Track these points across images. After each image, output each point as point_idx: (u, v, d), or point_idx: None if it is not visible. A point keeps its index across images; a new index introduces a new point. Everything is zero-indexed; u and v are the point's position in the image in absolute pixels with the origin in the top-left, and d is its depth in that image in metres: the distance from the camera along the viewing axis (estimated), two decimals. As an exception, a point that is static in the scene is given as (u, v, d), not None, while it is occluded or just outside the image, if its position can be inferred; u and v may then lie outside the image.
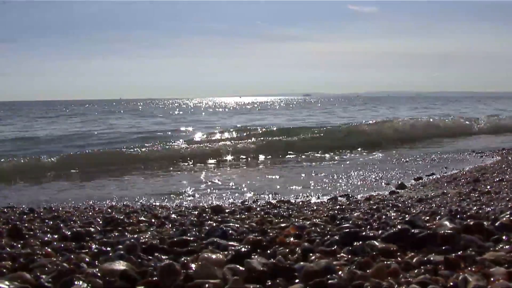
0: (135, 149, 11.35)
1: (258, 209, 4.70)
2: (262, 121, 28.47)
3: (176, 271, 2.00)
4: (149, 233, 3.22)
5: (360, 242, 2.38)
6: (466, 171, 8.10)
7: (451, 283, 1.79)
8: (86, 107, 66.77)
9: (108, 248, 2.56)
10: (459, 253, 2.12)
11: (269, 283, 1.93)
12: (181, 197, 6.57)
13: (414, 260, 2.12)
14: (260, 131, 14.83)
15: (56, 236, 3.07)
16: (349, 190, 6.66)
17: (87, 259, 2.35)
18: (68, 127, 25.27)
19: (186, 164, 10.53)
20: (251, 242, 2.53)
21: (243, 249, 2.34)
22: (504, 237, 2.39)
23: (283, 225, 3.19)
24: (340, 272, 1.96)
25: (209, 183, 7.80)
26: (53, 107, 66.15)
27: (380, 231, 2.61)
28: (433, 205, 4.45)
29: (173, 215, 4.25)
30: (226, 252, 2.38)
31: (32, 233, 3.25)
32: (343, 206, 4.60)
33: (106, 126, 25.36)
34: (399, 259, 2.19)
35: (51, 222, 3.94)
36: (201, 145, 12.14)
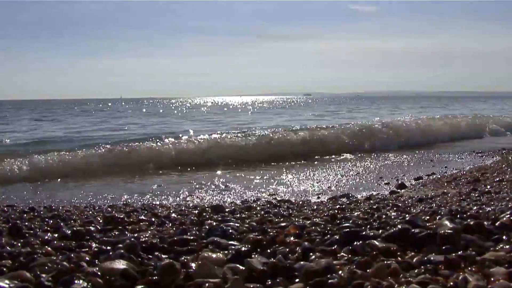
0: (148, 147, 11.07)
1: (258, 208, 4.69)
2: (277, 122, 26.92)
3: (176, 270, 2.01)
4: (149, 232, 3.22)
5: (361, 242, 2.38)
6: (466, 171, 8.10)
7: (451, 283, 1.79)
8: (89, 106, 66.09)
9: (108, 247, 2.56)
10: (459, 253, 2.12)
11: (269, 282, 1.94)
12: (181, 196, 6.58)
13: (414, 260, 2.12)
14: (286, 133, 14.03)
15: (56, 235, 3.07)
16: (350, 189, 6.66)
17: (87, 258, 2.35)
18: (90, 124, 25.08)
19: (193, 164, 10.32)
20: (251, 242, 2.53)
21: (243, 249, 2.34)
22: (504, 237, 2.39)
23: (283, 224, 3.18)
24: (340, 272, 1.96)
25: (212, 183, 7.80)
26: (52, 107, 65.62)
27: (380, 231, 2.61)
28: (433, 204, 4.45)
29: (173, 214, 4.25)
30: (226, 252, 2.38)
31: (32, 232, 3.25)
32: (343, 206, 4.60)
33: (117, 125, 24.91)
34: (400, 258, 2.19)
35: (51, 221, 3.93)
36: (210, 144, 11.83)
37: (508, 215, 2.74)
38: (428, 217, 3.21)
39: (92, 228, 3.26)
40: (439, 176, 7.61)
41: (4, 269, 2.15)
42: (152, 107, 63.26)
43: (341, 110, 45.08)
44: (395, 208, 4.24)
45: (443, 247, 2.23)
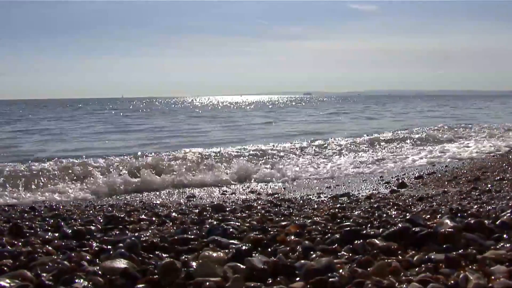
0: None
1: (258, 207, 4.69)
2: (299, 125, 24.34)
3: (177, 269, 2.01)
4: (150, 231, 3.22)
5: (361, 241, 2.38)
6: (467, 169, 8.09)
7: (452, 282, 1.79)
8: (96, 106, 63.91)
9: (109, 246, 2.56)
10: (460, 251, 2.12)
11: (270, 281, 1.94)
12: (181, 196, 6.58)
13: (415, 259, 2.12)
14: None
15: (57, 234, 3.07)
16: (350, 189, 6.66)
17: (88, 257, 2.35)
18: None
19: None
20: (252, 241, 2.53)
21: (243, 248, 2.34)
22: (505, 236, 2.38)
23: (284, 223, 3.18)
24: (341, 270, 1.96)
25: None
26: (53, 106, 64.75)
27: (380, 230, 2.60)
28: (433, 203, 4.45)
29: (173, 214, 4.25)
30: (227, 250, 2.38)
31: (33, 231, 3.25)
32: (344, 205, 4.60)
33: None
34: (400, 257, 2.19)
35: (52, 221, 3.93)
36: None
37: (509, 214, 2.73)
38: (428, 216, 3.21)
39: (93, 228, 3.26)
40: (439, 175, 7.61)
41: (5, 268, 2.15)
42: (170, 107, 59.12)
43: (355, 109, 43.63)
44: (395, 207, 4.24)
45: (444, 246, 2.23)
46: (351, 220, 3.13)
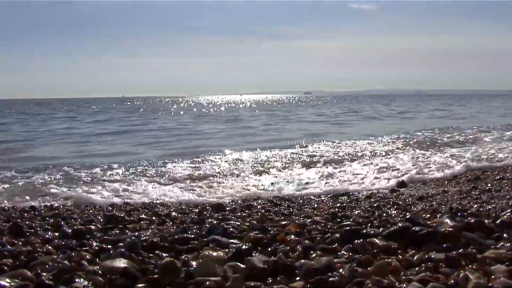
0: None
1: (258, 207, 4.69)
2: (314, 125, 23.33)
3: (177, 269, 2.01)
4: (150, 231, 3.22)
5: (361, 240, 2.39)
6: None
7: (452, 281, 1.79)
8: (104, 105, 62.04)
9: (109, 246, 2.56)
10: (460, 251, 2.12)
11: (270, 280, 1.94)
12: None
13: (415, 258, 2.12)
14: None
15: (57, 234, 3.07)
16: (350, 188, 6.66)
17: (88, 257, 2.35)
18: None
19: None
20: (252, 240, 2.53)
21: (243, 247, 2.34)
22: (505, 235, 2.39)
23: (284, 223, 3.19)
24: (341, 270, 1.96)
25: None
26: (56, 106, 64.44)
27: (380, 229, 2.60)
28: (433, 203, 4.45)
29: (173, 213, 4.25)
30: (227, 250, 2.38)
31: (33, 230, 3.25)
32: (344, 204, 4.60)
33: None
34: (400, 256, 2.19)
35: (52, 220, 3.94)
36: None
37: (509, 213, 2.73)
38: (428, 215, 3.21)
39: (93, 227, 3.26)
40: (439, 174, 7.61)
41: (5, 267, 2.15)
42: (177, 106, 57.55)
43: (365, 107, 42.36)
44: (395, 207, 4.25)
45: (444, 245, 2.23)
46: (351, 220, 3.13)
